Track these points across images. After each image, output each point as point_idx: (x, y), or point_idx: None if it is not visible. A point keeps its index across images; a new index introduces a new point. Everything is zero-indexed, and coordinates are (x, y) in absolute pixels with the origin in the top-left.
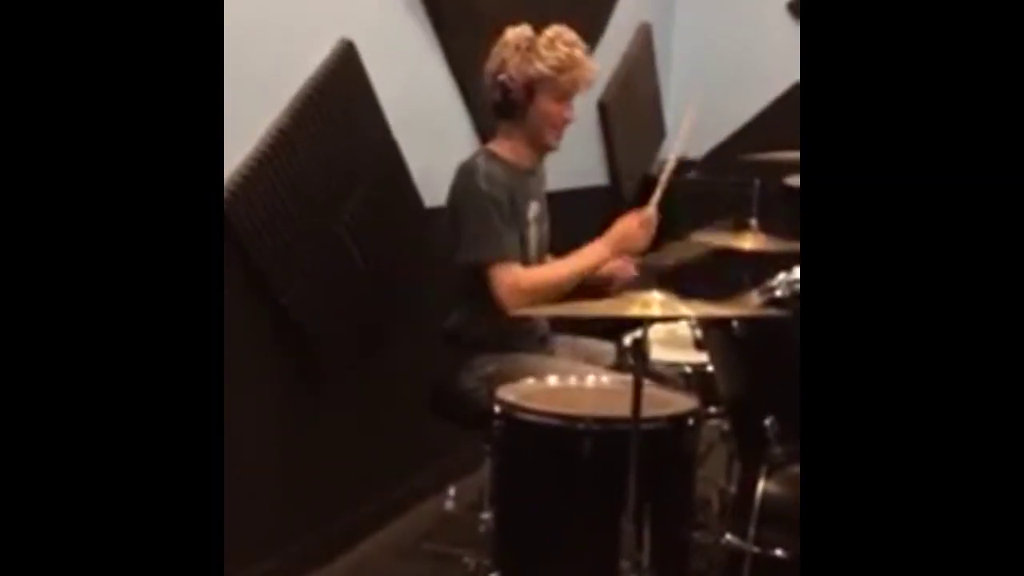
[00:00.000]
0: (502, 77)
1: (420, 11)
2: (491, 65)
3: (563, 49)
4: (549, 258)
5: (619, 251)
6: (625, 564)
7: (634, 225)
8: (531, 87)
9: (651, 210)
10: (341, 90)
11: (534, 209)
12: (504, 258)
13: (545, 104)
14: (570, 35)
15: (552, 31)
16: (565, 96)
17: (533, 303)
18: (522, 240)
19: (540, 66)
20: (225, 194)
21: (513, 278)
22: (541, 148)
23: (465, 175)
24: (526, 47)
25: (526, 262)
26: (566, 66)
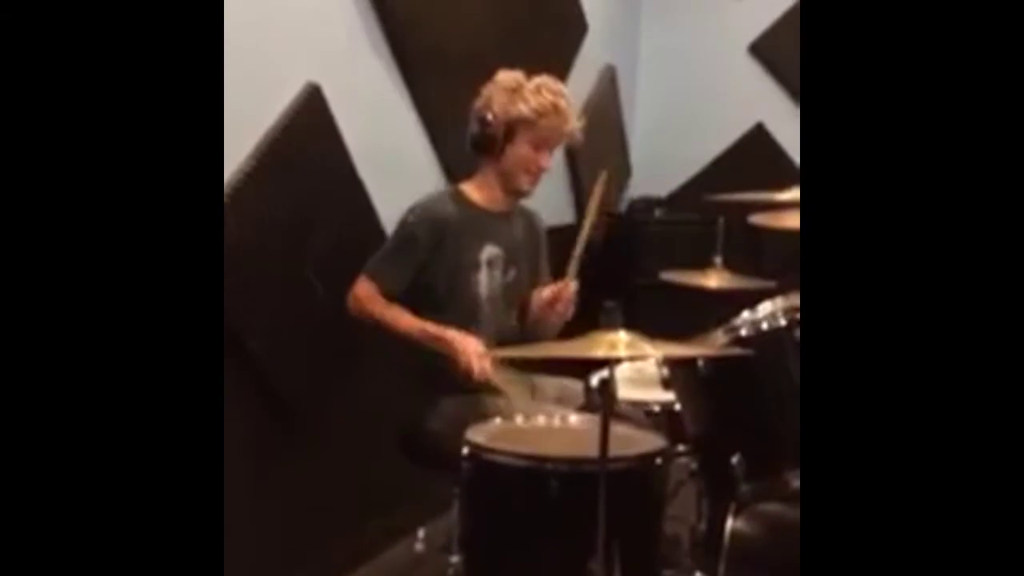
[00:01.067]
0: (485, 113)
1: (386, 54)
2: (478, 103)
3: (548, 96)
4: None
5: (438, 345)
6: None
7: (462, 346)
8: (512, 128)
9: (546, 292)
10: (307, 133)
11: (489, 252)
12: (372, 274)
13: (522, 147)
14: (557, 85)
15: (542, 79)
16: (543, 143)
17: (361, 317)
18: (458, 284)
19: (523, 108)
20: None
21: (362, 291)
22: (513, 192)
23: (407, 210)
24: (513, 88)
25: (474, 306)
26: (547, 112)
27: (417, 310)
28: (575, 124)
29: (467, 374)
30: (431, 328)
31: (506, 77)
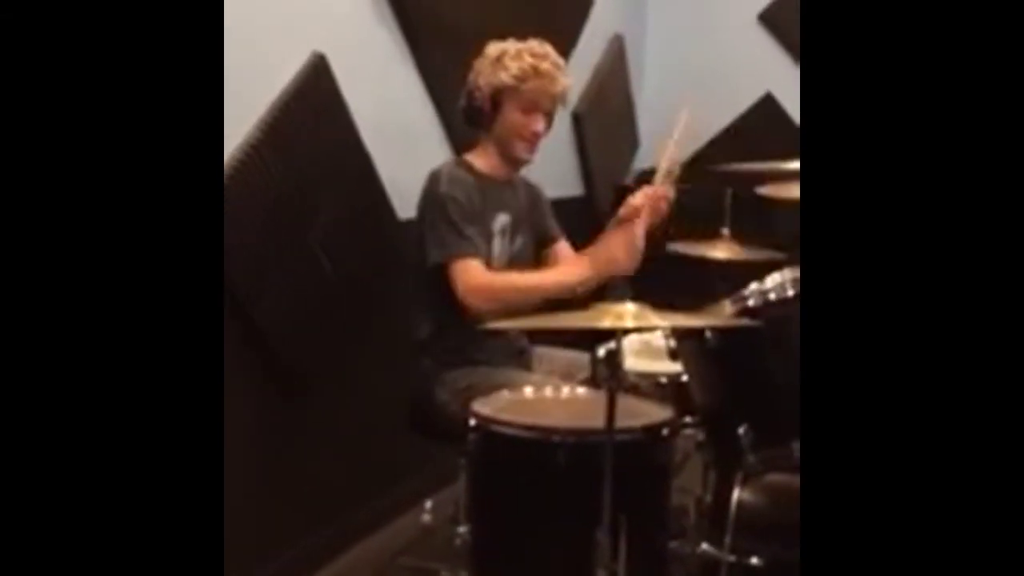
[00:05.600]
0: (471, 86)
1: (392, 24)
2: (469, 76)
3: (528, 60)
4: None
5: (604, 272)
6: (601, 575)
7: (620, 246)
8: (497, 97)
9: (638, 230)
10: (313, 103)
11: (501, 221)
12: (463, 254)
13: (511, 114)
14: (541, 48)
15: (525, 44)
16: (531, 107)
17: (492, 304)
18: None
19: (504, 76)
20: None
21: (470, 275)
22: (512, 160)
23: (430, 181)
24: (496, 57)
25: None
26: (528, 76)
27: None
28: (563, 84)
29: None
30: (568, 273)
31: (493, 48)
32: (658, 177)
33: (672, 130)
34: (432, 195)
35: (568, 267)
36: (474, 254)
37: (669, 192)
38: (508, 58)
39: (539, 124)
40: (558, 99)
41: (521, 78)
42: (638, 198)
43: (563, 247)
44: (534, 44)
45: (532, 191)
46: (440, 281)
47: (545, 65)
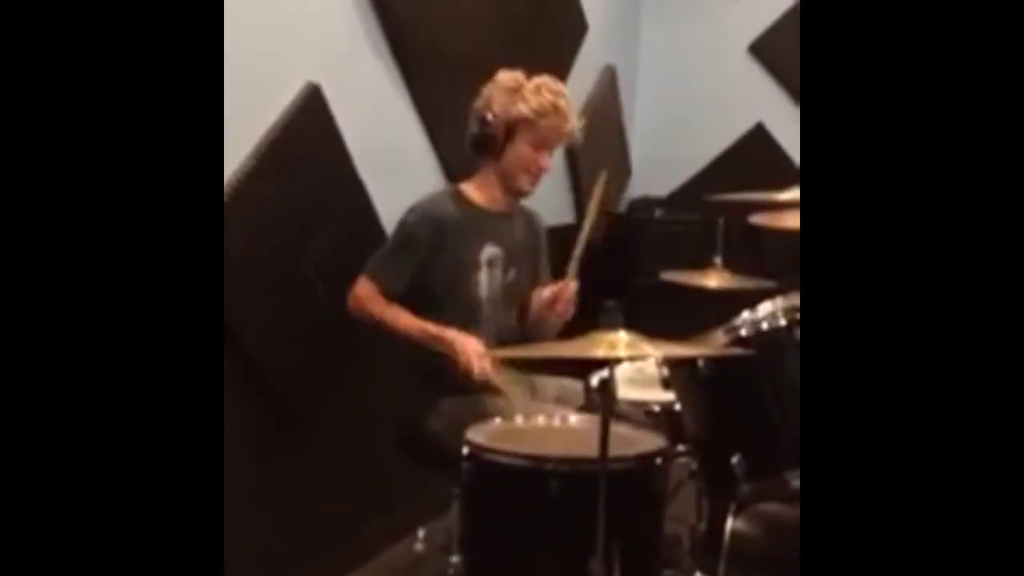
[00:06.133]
0: (486, 114)
1: (386, 54)
2: (479, 103)
3: (548, 96)
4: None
5: (438, 346)
6: None
7: (469, 353)
8: (512, 128)
9: (546, 292)
10: (307, 132)
11: (489, 252)
12: (372, 274)
13: (522, 147)
14: (557, 85)
15: (542, 79)
16: (543, 143)
17: (359, 316)
18: (458, 284)
19: (523, 108)
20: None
21: (362, 291)
22: (513, 192)
23: (407, 211)
24: (513, 88)
25: (474, 306)
26: (548, 112)
27: (417, 310)
28: (575, 124)
29: (467, 374)
30: (431, 328)
31: (506, 77)
32: (577, 249)
33: (591, 195)
34: (400, 222)
35: (436, 328)
36: (384, 281)
37: (573, 289)
38: (528, 91)
39: (547, 160)
40: (568, 138)
41: (540, 113)
42: (547, 293)
43: (537, 295)
44: (548, 80)
45: (532, 225)
46: (436, 308)
47: (562, 103)
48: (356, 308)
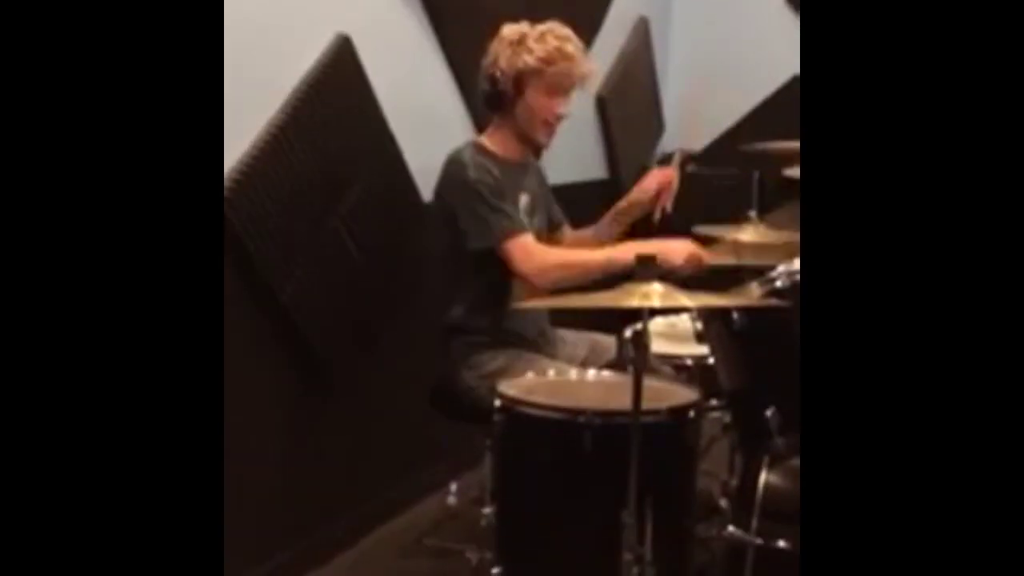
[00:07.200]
0: (493, 71)
1: (417, 5)
2: (485, 60)
3: (552, 43)
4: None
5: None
6: (627, 557)
7: (681, 253)
8: (520, 80)
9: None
10: (338, 85)
11: (524, 201)
12: (515, 232)
13: (534, 98)
14: (563, 31)
15: (545, 26)
16: (556, 90)
17: (560, 280)
18: None
19: (528, 59)
20: (224, 191)
21: (532, 252)
22: (530, 144)
23: (454, 166)
24: (516, 40)
25: None
26: (554, 59)
27: (481, 264)
28: (588, 66)
29: (698, 264)
30: (630, 246)
31: (510, 30)
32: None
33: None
34: (460, 181)
35: (621, 248)
36: (525, 230)
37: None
38: (532, 40)
39: (563, 106)
40: (582, 81)
41: (547, 60)
42: (650, 181)
43: (570, 230)
44: (555, 26)
45: (541, 174)
46: (484, 264)
47: (570, 47)
48: (540, 269)
